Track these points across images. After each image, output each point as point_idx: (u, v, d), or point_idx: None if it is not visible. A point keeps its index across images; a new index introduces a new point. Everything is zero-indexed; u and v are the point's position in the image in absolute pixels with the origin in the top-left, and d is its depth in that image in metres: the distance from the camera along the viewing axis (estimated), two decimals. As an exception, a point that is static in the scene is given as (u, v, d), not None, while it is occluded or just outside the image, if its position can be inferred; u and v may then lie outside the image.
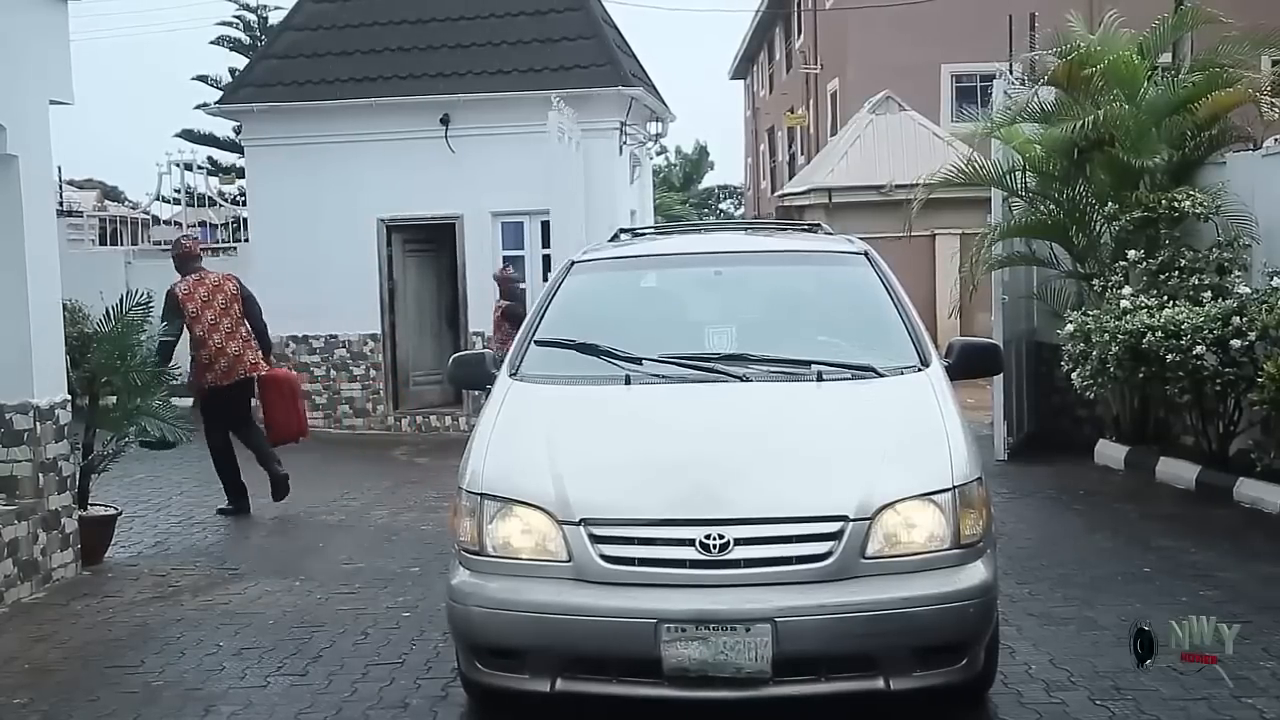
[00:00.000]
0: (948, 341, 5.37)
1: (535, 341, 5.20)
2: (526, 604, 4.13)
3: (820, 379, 4.74)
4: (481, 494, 4.31)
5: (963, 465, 4.28)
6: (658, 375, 4.86)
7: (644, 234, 7.22)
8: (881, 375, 4.81)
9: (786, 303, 5.69)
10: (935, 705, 4.45)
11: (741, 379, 4.78)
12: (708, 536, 4.03)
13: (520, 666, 4.20)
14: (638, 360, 4.90)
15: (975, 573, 4.15)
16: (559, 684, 4.13)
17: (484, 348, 11.05)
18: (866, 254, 5.69)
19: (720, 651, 3.95)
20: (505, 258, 13.59)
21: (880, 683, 4.05)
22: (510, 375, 5.02)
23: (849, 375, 4.82)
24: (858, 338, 5.25)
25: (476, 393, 7.98)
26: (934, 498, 4.18)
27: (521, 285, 12.63)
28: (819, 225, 7.25)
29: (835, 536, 4.04)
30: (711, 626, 3.95)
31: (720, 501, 4.14)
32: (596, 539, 4.09)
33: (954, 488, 4.19)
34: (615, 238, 6.75)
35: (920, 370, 4.87)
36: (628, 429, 4.65)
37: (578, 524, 4.11)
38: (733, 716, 4.34)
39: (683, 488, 4.21)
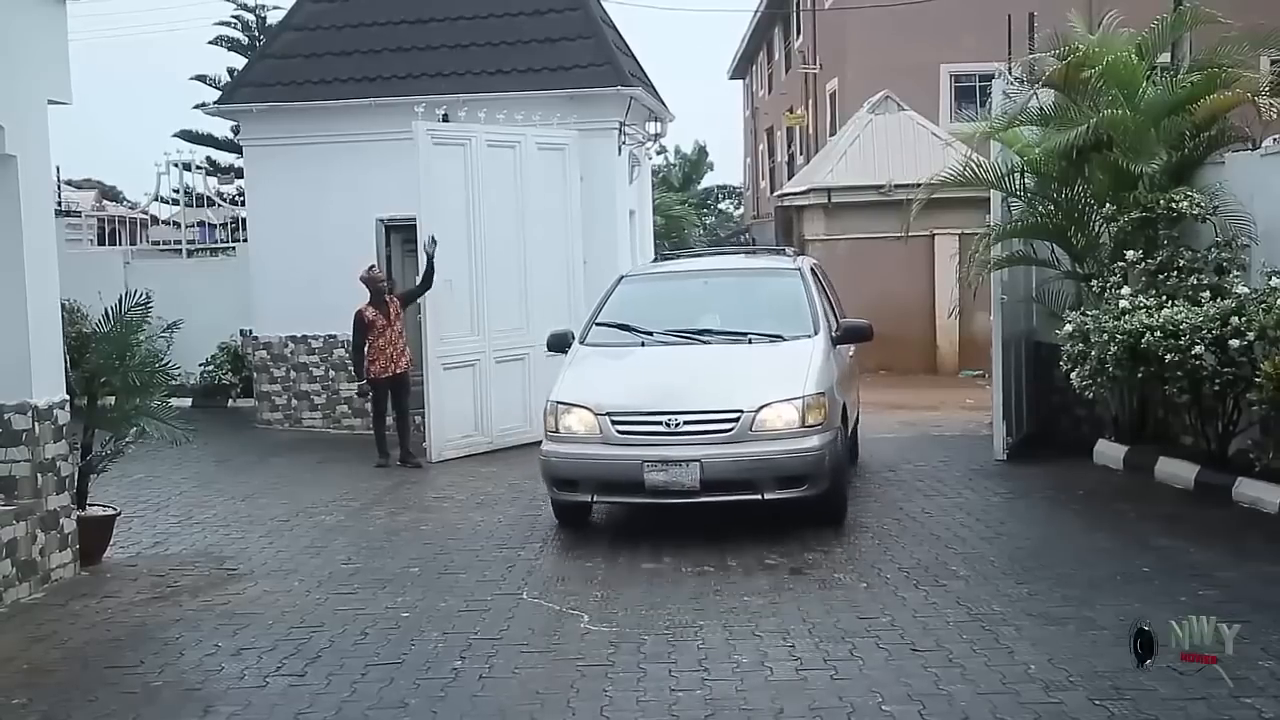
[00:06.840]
0: (837, 320, 9.05)
1: (596, 324, 9.03)
2: (580, 456, 7.88)
3: (750, 342, 8.47)
4: (558, 402, 8.06)
5: (811, 386, 7.79)
6: (660, 341, 8.61)
7: (671, 257, 11.95)
8: (785, 340, 8.42)
9: (744, 300, 9.24)
10: (804, 519, 7.82)
11: (706, 343, 8.56)
12: (670, 419, 7.66)
13: (576, 488, 7.97)
14: (650, 333, 8.70)
15: (812, 441, 7.64)
16: (595, 497, 8.00)
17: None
18: (799, 269, 9.38)
19: (674, 478, 7.57)
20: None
21: (759, 496, 7.63)
22: (580, 343, 8.82)
23: (767, 340, 8.46)
24: (779, 319, 8.69)
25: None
26: (793, 401, 7.70)
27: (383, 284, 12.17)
28: (784, 249, 12.37)
29: (736, 420, 7.62)
30: (669, 463, 7.58)
31: (679, 401, 7.75)
32: (614, 421, 7.78)
33: (803, 396, 7.71)
34: (655, 259, 11.55)
35: (809, 338, 8.39)
36: (637, 368, 8.45)
37: (605, 415, 7.81)
38: (682, 514, 7.91)
39: (659, 395, 7.85)
